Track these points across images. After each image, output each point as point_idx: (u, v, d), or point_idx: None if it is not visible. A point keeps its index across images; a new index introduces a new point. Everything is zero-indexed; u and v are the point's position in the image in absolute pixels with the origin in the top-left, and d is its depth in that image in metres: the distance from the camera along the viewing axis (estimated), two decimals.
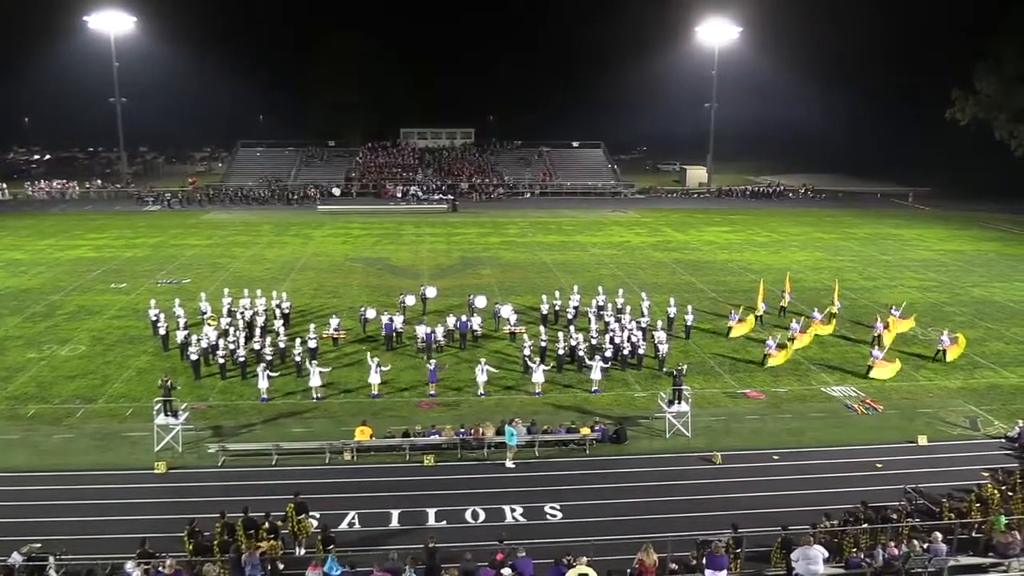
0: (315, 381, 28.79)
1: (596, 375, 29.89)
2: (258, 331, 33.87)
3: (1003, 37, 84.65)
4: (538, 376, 29.47)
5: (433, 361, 30.58)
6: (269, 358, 30.34)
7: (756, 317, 37.81)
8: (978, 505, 20.20)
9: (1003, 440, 25.95)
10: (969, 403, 29.26)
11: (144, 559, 17.03)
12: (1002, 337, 37.25)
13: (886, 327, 35.81)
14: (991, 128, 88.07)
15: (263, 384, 28.51)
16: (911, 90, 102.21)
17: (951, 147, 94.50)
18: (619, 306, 37.22)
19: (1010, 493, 20.96)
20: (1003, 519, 19.06)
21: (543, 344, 32.48)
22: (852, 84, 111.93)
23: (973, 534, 19.59)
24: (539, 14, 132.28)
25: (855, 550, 18.43)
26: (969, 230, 69.10)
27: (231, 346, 31.39)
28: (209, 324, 33.94)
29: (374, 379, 29.01)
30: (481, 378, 29.27)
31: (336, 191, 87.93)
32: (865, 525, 19.04)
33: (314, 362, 29.78)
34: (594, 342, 32.67)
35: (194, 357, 30.65)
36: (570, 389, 30.18)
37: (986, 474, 22.77)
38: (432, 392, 29.35)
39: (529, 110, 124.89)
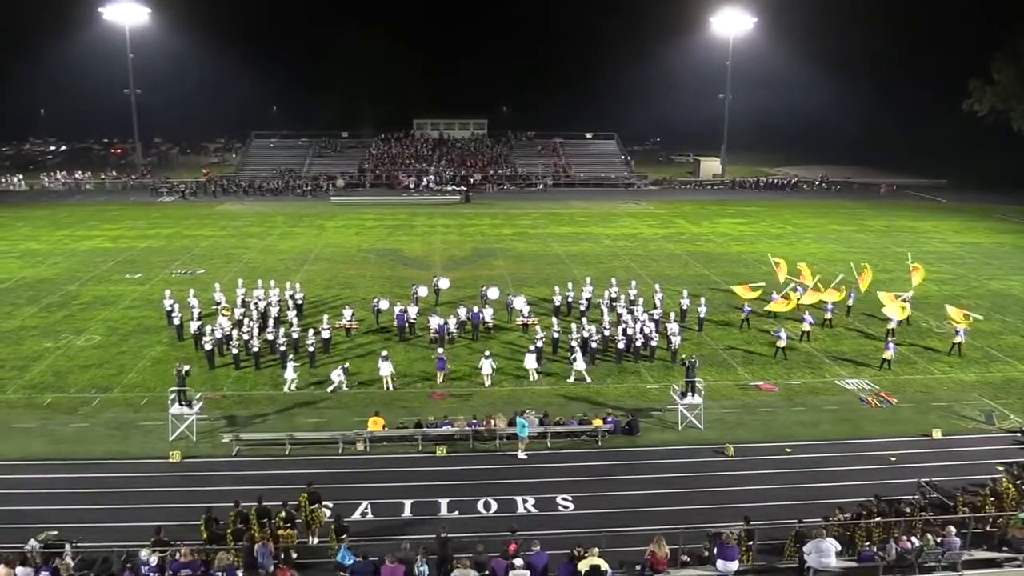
0: (386, 371, 29.09)
1: (580, 365, 30.02)
2: (272, 322, 34.03)
3: (1020, 27, 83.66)
4: (532, 364, 30.00)
5: (441, 350, 30.80)
6: (291, 346, 30.84)
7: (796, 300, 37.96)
8: (992, 499, 20.08)
9: (1018, 434, 25.79)
10: (984, 396, 29.05)
11: (159, 547, 17.19)
12: (1018, 330, 36.93)
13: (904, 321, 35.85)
14: (1008, 119, 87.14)
15: (290, 375, 28.80)
16: (928, 80, 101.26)
17: (968, 138, 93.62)
18: (632, 298, 37.17)
19: None
20: (1022, 515, 18.92)
21: (555, 336, 32.52)
22: (867, 74, 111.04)
23: (987, 528, 19.50)
24: (553, 4, 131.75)
25: (868, 543, 18.39)
26: (985, 222, 68.49)
27: (245, 336, 31.55)
28: (223, 314, 34.11)
29: (385, 371, 29.09)
30: (486, 370, 29.40)
31: (340, 182, 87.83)
32: (878, 518, 18.96)
33: (346, 366, 29.90)
34: (607, 334, 32.66)
35: (208, 347, 30.86)
36: (582, 381, 30.15)
37: (1001, 468, 22.60)
38: (440, 379, 29.60)
39: (542, 101, 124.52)
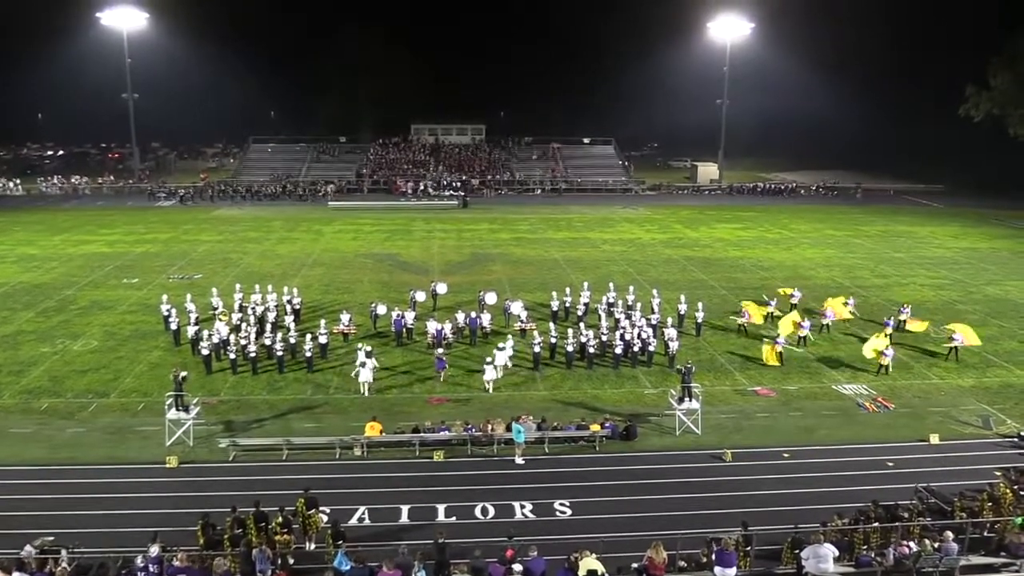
0: (365, 377, 28.88)
1: (489, 376, 29.48)
2: (269, 326, 33.98)
3: (1017, 32, 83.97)
4: (489, 374, 29.50)
5: (441, 350, 31.23)
6: (288, 351, 31.09)
7: (768, 314, 37.75)
8: (990, 504, 20.07)
9: (1016, 439, 25.78)
10: (982, 402, 29.06)
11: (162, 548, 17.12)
12: (1015, 336, 36.96)
13: (897, 326, 35.82)
14: (1005, 125, 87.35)
15: (368, 363, 28.86)
16: (927, 83, 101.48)
17: (965, 143, 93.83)
18: (629, 303, 37.16)
19: (1022, 492, 20.82)
20: (1019, 520, 18.94)
21: (553, 341, 32.51)
22: (865, 79, 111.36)
23: (985, 534, 19.49)
24: (550, 10, 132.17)
25: (866, 548, 18.38)
26: (982, 227, 68.58)
27: (242, 341, 31.49)
28: (220, 319, 34.06)
29: (365, 377, 28.87)
30: (488, 375, 29.38)
31: (331, 187, 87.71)
32: (876, 524, 18.96)
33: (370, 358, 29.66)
34: (604, 339, 32.66)
35: (205, 352, 30.81)
36: (580, 386, 30.16)
37: (998, 473, 22.61)
38: (441, 378, 29.92)
39: (540, 106, 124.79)
